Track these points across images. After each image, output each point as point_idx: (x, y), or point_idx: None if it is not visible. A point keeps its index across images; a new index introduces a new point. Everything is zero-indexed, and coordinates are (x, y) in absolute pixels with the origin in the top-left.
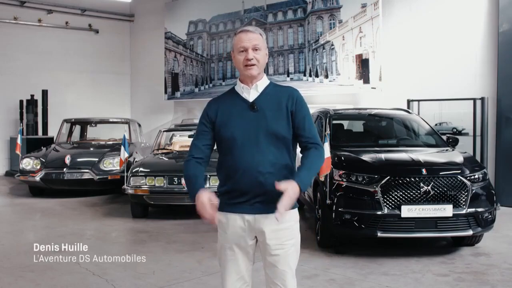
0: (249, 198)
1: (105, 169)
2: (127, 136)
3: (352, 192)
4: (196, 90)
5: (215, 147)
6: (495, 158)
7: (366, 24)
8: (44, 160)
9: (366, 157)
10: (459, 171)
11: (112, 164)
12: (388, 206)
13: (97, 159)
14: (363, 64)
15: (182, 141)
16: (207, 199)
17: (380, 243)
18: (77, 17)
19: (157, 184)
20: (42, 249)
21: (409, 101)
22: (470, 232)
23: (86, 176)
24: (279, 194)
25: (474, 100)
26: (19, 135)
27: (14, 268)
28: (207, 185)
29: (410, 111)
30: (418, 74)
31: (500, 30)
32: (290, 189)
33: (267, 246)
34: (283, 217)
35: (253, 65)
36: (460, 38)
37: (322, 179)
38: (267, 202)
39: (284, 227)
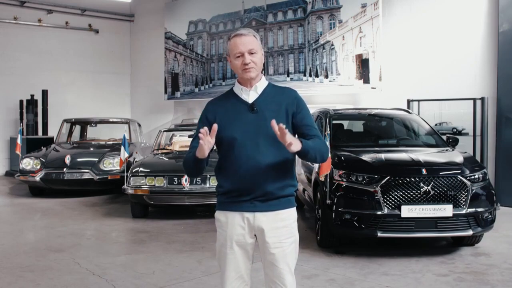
0: (249, 198)
1: (105, 169)
2: (127, 136)
3: (352, 192)
4: (196, 90)
5: (214, 148)
6: (495, 158)
7: (366, 24)
8: (44, 160)
9: (366, 157)
10: (459, 171)
11: (112, 164)
12: (388, 206)
13: (97, 159)
14: (363, 64)
15: (182, 141)
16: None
17: (380, 243)
18: (77, 17)
19: (157, 184)
20: (42, 249)
21: (409, 101)
22: (470, 232)
23: (86, 176)
24: (278, 193)
25: (474, 100)
26: (19, 135)
27: (14, 268)
28: (207, 185)
29: (410, 111)
30: (418, 74)
31: (500, 30)
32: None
33: (266, 244)
34: (277, 128)
35: (251, 68)
36: (460, 38)
37: (322, 179)
38: (267, 201)
39: (283, 225)
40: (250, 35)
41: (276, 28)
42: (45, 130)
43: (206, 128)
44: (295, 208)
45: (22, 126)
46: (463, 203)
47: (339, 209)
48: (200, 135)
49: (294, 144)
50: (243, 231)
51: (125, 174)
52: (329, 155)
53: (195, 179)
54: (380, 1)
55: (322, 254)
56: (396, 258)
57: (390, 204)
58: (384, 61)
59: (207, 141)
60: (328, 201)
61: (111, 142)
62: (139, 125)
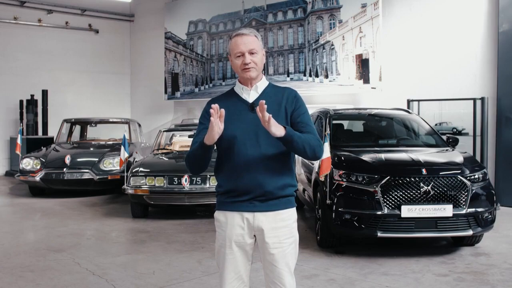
0: (249, 197)
1: (105, 169)
2: (127, 136)
3: (352, 192)
4: (196, 90)
5: (214, 147)
6: (495, 158)
7: (366, 24)
8: (44, 160)
9: (366, 157)
10: (459, 171)
11: (112, 164)
12: (388, 206)
13: (97, 159)
14: (363, 64)
15: (182, 141)
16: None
17: (380, 243)
18: (77, 17)
19: (157, 184)
20: (42, 249)
21: (409, 101)
22: (470, 232)
23: (86, 176)
24: (278, 193)
25: (474, 100)
26: (19, 135)
27: (14, 268)
28: (207, 185)
29: (410, 111)
30: (418, 74)
31: (500, 30)
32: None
33: (266, 245)
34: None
35: (252, 67)
36: (460, 38)
37: (322, 179)
38: (266, 201)
39: (282, 225)
40: (251, 35)
41: (276, 28)
42: (45, 130)
43: (217, 104)
44: (295, 208)
45: (22, 126)
46: (463, 203)
47: (339, 209)
48: (211, 111)
49: (275, 125)
50: (243, 231)
51: (125, 174)
52: (328, 154)
53: (195, 179)
54: (380, 1)
55: (322, 254)
56: (396, 258)
57: (390, 204)
58: (384, 61)
59: (217, 123)
60: (328, 201)
61: (111, 142)
62: (139, 125)
